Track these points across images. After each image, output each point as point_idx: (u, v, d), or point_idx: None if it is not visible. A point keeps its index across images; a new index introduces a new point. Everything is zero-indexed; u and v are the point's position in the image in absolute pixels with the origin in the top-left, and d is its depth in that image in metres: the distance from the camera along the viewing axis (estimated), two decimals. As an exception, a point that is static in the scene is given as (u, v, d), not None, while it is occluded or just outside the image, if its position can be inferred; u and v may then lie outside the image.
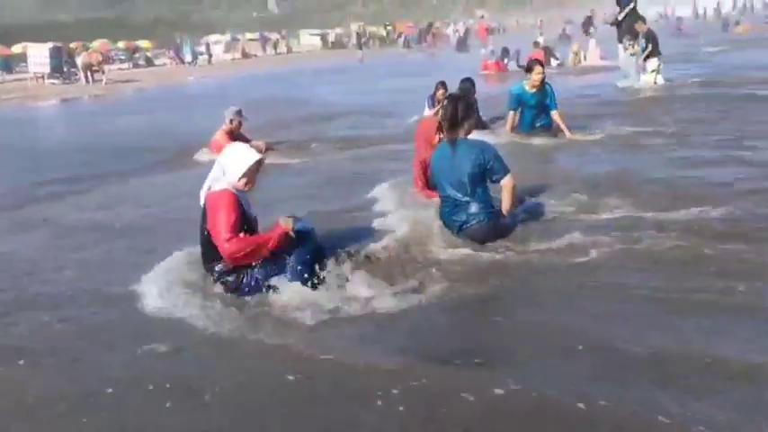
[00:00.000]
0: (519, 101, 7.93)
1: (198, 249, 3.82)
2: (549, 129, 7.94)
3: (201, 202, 3.72)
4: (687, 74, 13.42)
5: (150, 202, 6.48)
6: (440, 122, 4.64)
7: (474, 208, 4.36)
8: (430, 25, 48.89)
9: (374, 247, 4.21)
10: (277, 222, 3.70)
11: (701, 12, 52.99)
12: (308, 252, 3.77)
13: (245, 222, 3.65)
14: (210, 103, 13.46)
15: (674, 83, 12.23)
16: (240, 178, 3.64)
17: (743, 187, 5.09)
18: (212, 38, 49.48)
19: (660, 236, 4.12)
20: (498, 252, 4.17)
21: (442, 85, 9.32)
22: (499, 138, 8.11)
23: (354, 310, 3.50)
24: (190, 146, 8.89)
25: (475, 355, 2.94)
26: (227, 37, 51.91)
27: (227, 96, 15.03)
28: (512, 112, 8.01)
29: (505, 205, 4.42)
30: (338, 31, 56.86)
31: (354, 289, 3.71)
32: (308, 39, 57.05)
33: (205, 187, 3.72)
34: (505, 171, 4.36)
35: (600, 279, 3.65)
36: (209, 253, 3.70)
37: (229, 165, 3.64)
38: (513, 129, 8.02)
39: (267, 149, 8.42)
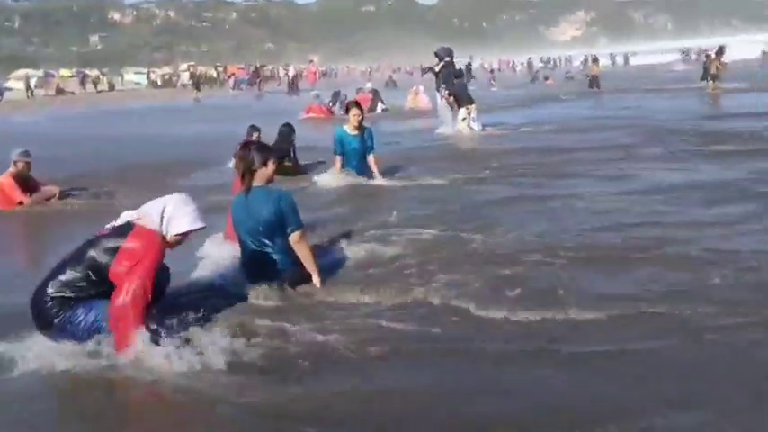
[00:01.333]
0: (342, 143, 7.87)
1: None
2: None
3: (120, 222, 3.44)
4: (502, 122, 14.31)
5: None
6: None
7: (274, 258, 4.12)
8: (258, 68, 48.63)
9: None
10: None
11: (520, 67, 57.91)
12: None
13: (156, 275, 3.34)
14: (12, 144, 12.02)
15: (486, 130, 12.95)
16: (177, 235, 3.46)
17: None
18: (26, 72, 45.84)
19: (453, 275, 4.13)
20: (303, 303, 3.94)
21: (254, 128, 9.07)
22: (316, 182, 8.04)
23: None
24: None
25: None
26: (40, 72, 48.25)
27: (35, 138, 13.48)
28: (338, 156, 7.91)
29: (307, 265, 4.16)
30: (166, 70, 55.04)
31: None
32: (133, 77, 54.66)
33: (134, 214, 3.43)
34: (297, 225, 4.13)
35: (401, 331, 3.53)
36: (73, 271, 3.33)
37: (175, 218, 3.44)
38: (340, 172, 7.92)
39: (60, 196, 7.65)
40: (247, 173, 4.16)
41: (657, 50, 66.57)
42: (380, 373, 3.11)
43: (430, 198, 6.98)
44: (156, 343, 3.21)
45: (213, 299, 3.98)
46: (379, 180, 7.83)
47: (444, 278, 4.19)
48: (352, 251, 4.86)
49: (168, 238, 3.44)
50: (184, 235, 3.49)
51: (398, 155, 9.86)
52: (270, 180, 4.24)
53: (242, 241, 4.24)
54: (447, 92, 13.41)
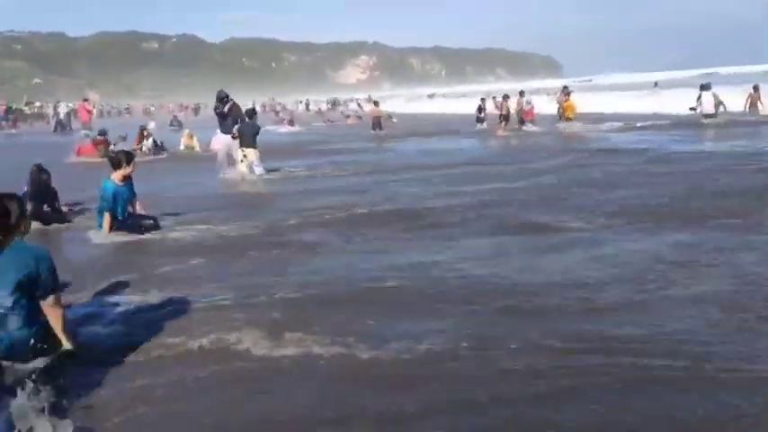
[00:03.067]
0: (115, 197, 7.20)
1: None
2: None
3: None
4: (296, 165, 14.19)
5: None
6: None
7: (15, 323, 3.47)
8: (9, 107, 44.18)
9: None
10: None
11: (301, 107, 58.70)
12: None
13: None
14: None
15: (271, 173, 12.76)
16: None
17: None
18: None
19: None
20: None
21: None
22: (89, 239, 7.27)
23: None
24: None
25: None
26: None
27: None
28: (108, 213, 7.19)
29: (58, 330, 3.63)
30: None
31: None
32: None
33: None
34: (53, 289, 3.59)
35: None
36: None
37: None
38: (112, 228, 7.22)
39: None
40: (5, 230, 3.51)
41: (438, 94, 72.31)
42: None
43: (207, 247, 6.62)
44: None
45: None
46: (153, 230, 7.35)
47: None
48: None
49: None
50: None
51: (179, 200, 9.33)
52: (24, 232, 3.65)
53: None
54: (237, 130, 13.11)
